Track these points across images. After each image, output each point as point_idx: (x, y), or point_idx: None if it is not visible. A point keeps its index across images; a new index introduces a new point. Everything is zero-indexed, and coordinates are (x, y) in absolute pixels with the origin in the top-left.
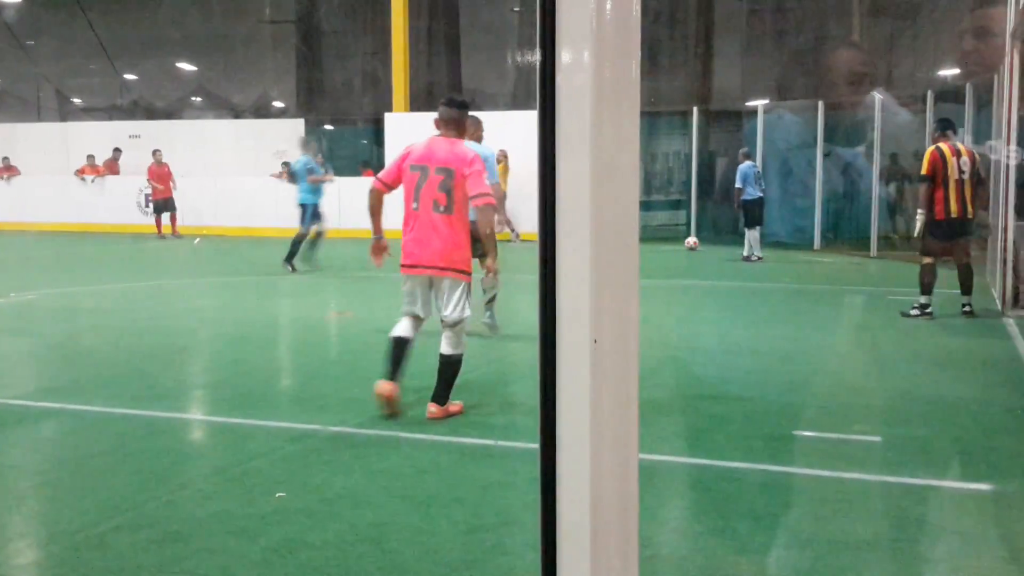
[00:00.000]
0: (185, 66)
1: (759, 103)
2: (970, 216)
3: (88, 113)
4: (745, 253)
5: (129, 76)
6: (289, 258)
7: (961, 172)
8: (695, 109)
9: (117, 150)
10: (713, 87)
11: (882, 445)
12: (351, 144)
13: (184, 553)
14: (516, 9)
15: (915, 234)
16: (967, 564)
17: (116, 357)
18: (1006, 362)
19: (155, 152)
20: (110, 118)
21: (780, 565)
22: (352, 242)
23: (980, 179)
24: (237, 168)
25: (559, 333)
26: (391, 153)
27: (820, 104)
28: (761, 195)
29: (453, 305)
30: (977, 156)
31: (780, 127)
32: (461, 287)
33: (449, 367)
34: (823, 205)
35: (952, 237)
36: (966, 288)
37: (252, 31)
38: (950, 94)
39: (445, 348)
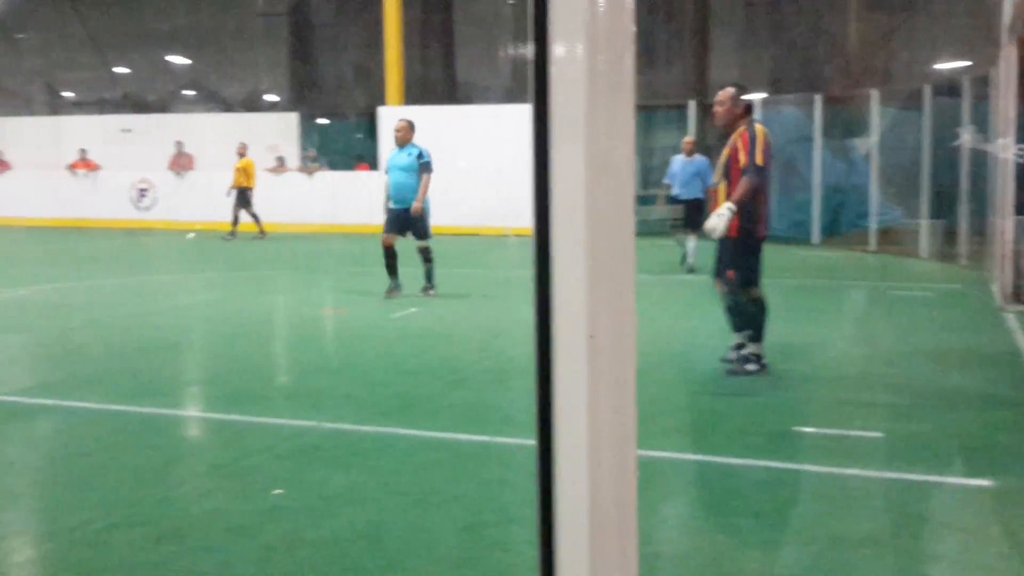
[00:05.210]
0: (176, 59)
1: (757, 96)
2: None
3: (78, 107)
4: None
5: (119, 69)
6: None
7: None
8: (692, 102)
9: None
10: (710, 80)
11: (883, 441)
12: (345, 138)
13: (181, 551)
14: (510, 1)
15: (715, 234)
16: (968, 560)
17: (110, 353)
18: (1007, 357)
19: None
20: (101, 112)
21: (781, 562)
22: (345, 238)
23: None
24: (230, 162)
25: (555, 329)
26: (385, 147)
27: (818, 98)
28: (701, 196)
29: None
30: None
31: (778, 120)
32: None
33: None
34: (822, 199)
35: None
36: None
37: (243, 24)
38: (947, 88)
39: None
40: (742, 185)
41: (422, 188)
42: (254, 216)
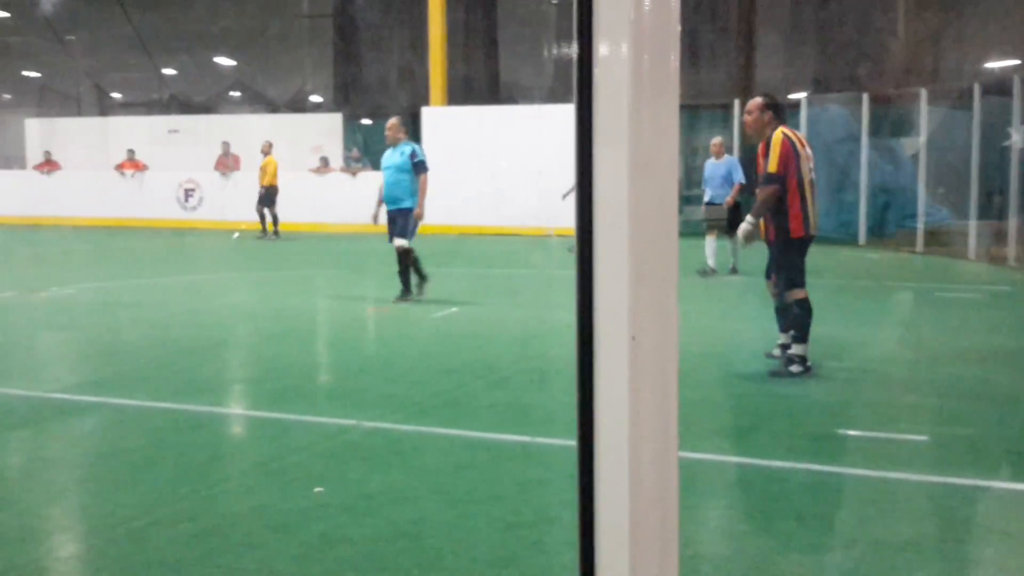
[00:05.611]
0: (223, 60)
1: (802, 95)
2: (814, 232)
3: (127, 108)
4: (711, 264)
5: (167, 71)
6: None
7: (811, 169)
8: (736, 102)
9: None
10: (755, 79)
11: (929, 444)
12: None
13: (223, 547)
14: (554, 1)
15: (742, 244)
16: (1015, 565)
17: (155, 351)
18: None
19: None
20: (148, 113)
21: (824, 566)
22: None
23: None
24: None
25: (597, 330)
26: (428, 147)
27: (865, 97)
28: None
29: None
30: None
31: (824, 119)
32: None
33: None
34: (869, 200)
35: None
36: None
37: (289, 25)
38: (997, 87)
39: None
40: (758, 197)
41: (421, 190)
42: (261, 215)
